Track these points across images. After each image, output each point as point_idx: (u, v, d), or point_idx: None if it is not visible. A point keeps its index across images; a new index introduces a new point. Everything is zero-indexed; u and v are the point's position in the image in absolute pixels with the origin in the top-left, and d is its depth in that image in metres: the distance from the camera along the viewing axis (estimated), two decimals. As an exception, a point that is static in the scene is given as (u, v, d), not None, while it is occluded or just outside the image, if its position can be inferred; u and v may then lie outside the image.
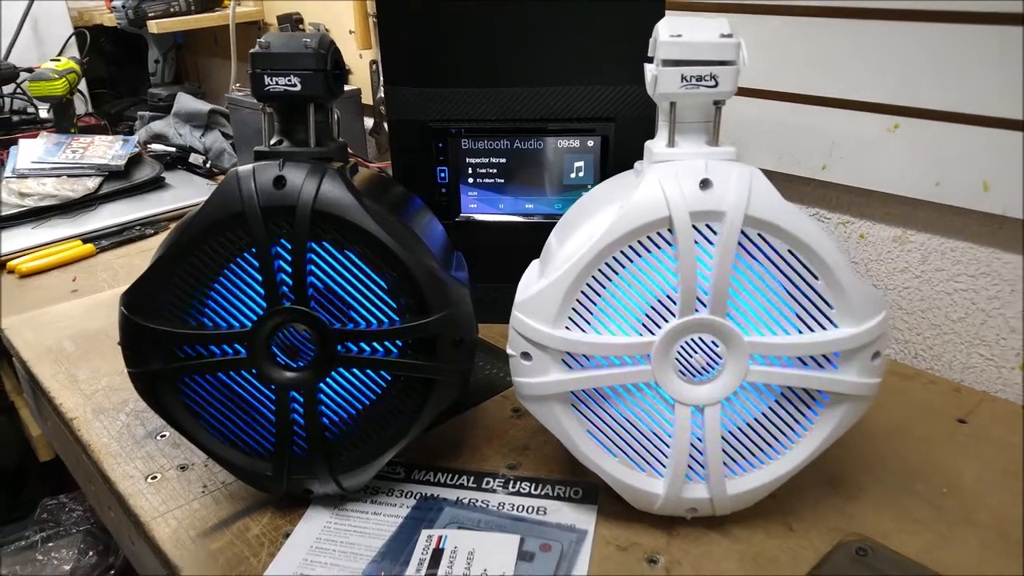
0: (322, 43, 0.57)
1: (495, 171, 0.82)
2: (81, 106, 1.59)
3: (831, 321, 0.53)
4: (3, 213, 1.17)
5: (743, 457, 0.56)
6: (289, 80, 0.56)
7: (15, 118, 1.49)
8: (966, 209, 0.72)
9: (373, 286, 0.56)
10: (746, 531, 0.59)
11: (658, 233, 0.52)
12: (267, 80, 0.56)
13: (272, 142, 0.59)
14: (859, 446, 0.68)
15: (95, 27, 1.66)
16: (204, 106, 1.46)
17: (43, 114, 1.51)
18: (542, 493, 0.63)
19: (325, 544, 0.58)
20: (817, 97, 0.78)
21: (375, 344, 0.57)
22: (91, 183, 1.25)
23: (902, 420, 0.71)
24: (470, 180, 0.83)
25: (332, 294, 0.57)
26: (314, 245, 0.55)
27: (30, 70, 1.40)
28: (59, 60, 1.38)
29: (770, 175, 0.86)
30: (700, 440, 0.55)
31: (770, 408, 0.56)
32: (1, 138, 1.44)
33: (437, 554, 0.56)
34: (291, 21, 1.47)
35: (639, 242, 0.53)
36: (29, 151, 1.29)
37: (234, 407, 0.59)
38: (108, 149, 1.32)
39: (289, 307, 0.56)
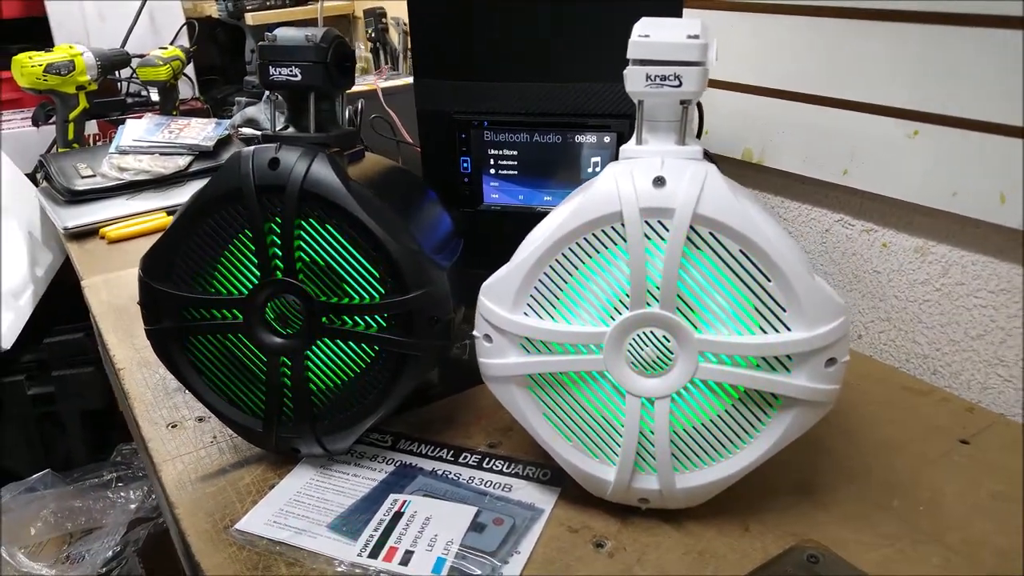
0: (325, 37, 0.62)
1: (515, 163, 0.85)
2: (187, 91, 1.74)
3: (784, 324, 0.53)
4: (104, 185, 1.30)
5: (695, 454, 0.57)
6: (291, 71, 0.61)
7: (129, 100, 1.64)
8: (986, 221, 0.68)
9: (357, 264, 0.61)
10: (700, 526, 0.59)
11: (612, 228, 0.54)
12: (271, 70, 0.61)
13: (279, 128, 0.64)
14: (847, 456, 0.67)
15: (206, 18, 1.80)
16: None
17: (154, 97, 1.65)
18: (512, 472, 0.66)
19: (303, 498, 0.63)
20: (839, 100, 0.77)
21: (358, 318, 0.62)
22: (182, 161, 1.36)
23: (901, 435, 0.69)
24: (492, 171, 0.86)
25: (319, 269, 0.61)
26: (304, 223, 0.60)
27: (142, 56, 1.54)
28: (166, 48, 1.52)
29: (795, 178, 0.85)
30: (652, 432, 0.57)
31: (726, 411, 0.56)
32: (116, 118, 1.59)
33: (397, 516, 0.60)
34: (375, 15, 1.55)
35: (603, 235, 0.54)
36: (132, 130, 1.42)
37: (232, 367, 0.65)
38: (201, 131, 1.44)
39: (280, 279, 0.61)
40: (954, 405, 0.73)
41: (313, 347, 0.63)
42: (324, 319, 0.62)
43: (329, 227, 0.60)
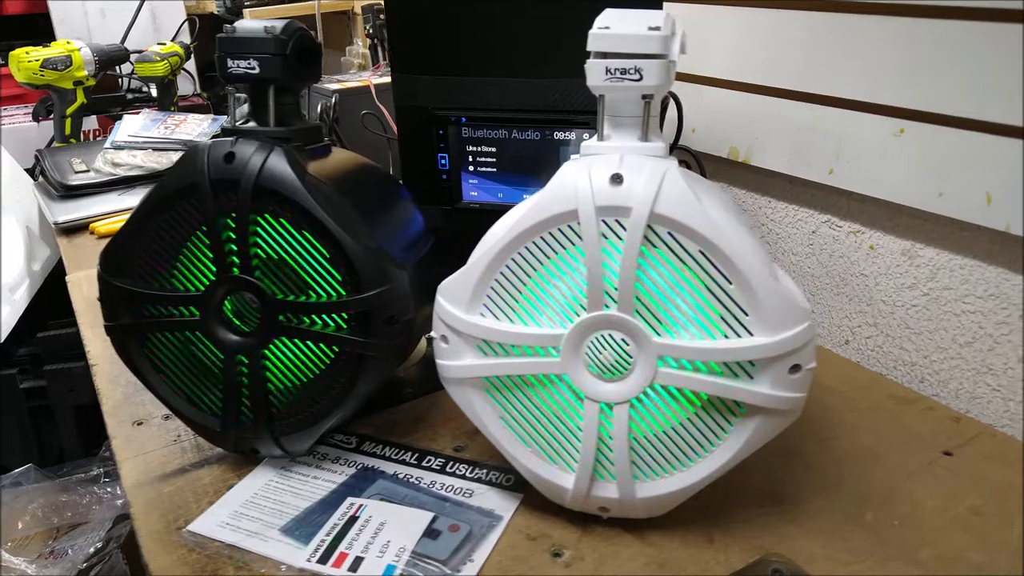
0: (286, 30, 0.61)
1: (494, 160, 0.83)
2: (188, 87, 1.73)
3: (746, 328, 0.51)
4: (97, 180, 1.30)
5: (656, 462, 0.55)
6: (249, 63, 0.60)
7: (130, 96, 1.64)
8: (974, 224, 0.66)
9: (314, 261, 0.59)
10: (663, 537, 0.57)
11: (570, 227, 0.52)
12: (229, 63, 0.60)
13: (239, 122, 0.63)
14: (822, 466, 0.64)
15: (208, 15, 1.80)
16: (289, 90, 1.55)
17: (155, 93, 1.65)
18: (475, 476, 0.64)
19: (260, 500, 0.62)
20: (825, 96, 0.74)
21: (315, 317, 0.60)
22: (175, 157, 1.36)
23: (882, 445, 0.67)
24: (471, 168, 0.84)
25: (276, 266, 0.60)
26: (260, 219, 0.59)
27: (140, 52, 1.54)
28: (164, 44, 1.51)
29: (782, 178, 0.83)
30: (611, 439, 0.55)
31: (688, 419, 0.54)
32: (116, 113, 1.60)
33: (351, 521, 0.59)
34: (373, 11, 1.54)
35: (560, 235, 0.53)
36: (129, 126, 1.42)
37: (190, 365, 0.63)
38: (197, 127, 1.43)
39: (237, 276, 0.60)
40: (940, 414, 0.71)
41: (271, 346, 0.61)
42: (282, 317, 0.60)
43: (284, 223, 0.59)
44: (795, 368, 0.51)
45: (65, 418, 1.34)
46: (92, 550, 1.11)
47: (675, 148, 0.81)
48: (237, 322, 0.62)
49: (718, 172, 0.91)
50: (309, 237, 0.58)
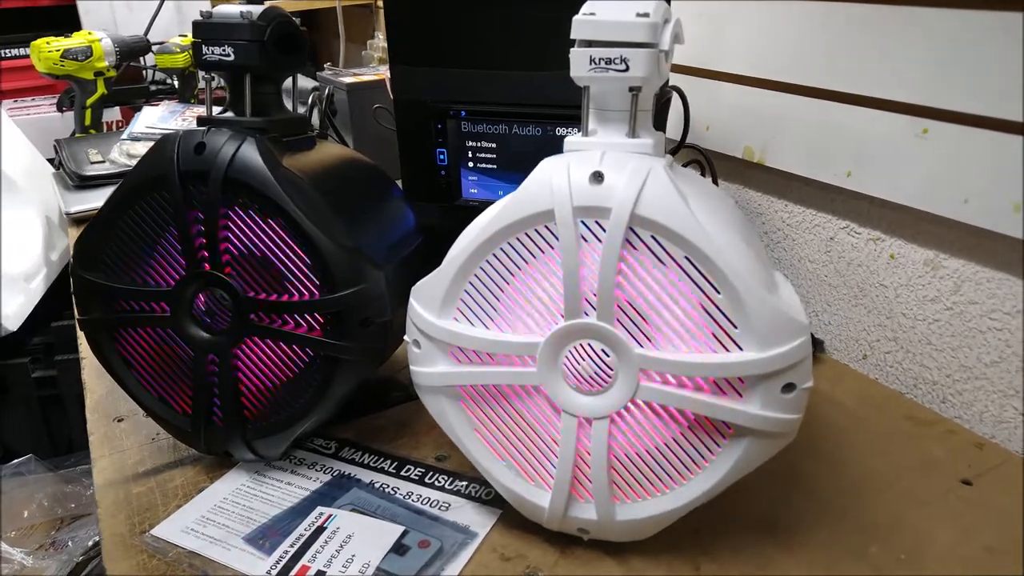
0: (264, 15, 0.58)
1: (494, 156, 0.80)
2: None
3: (735, 342, 0.46)
4: (112, 171, 1.29)
5: (637, 483, 0.51)
6: (224, 50, 0.57)
7: (153, 87, 1.65)
8: (1002, 234, 0.60)
9: (285, 259, 0.57)
10: (647, 563, 0.53)
11: (547, 228, 0.48)
12: (204, 49, 0.58)
13: (218, 111, 0.61)
14: (826, 491, 0.60)
15: (234, 7, 1.80)
16: (308, 83, 1.53)
17: (177, 85, 1.65)
18: (454, 489, 0.61)
19: (228, 505, 0.60)
20: (843, 93, 0.69)
21: (287, 316, 0.58)
22: (191, 149, 1.35)
23: (893, 470, 0.62)
24: (470, 164, 0.81)
25: (247, 262, 0.57)
26: (230, 212, 0.56)
27: (161, 44, 1.54)
28: (186, 36, 1.51)
29: (798, 180, 0.78)
30: (590, 455, 0.51)
31: (672, 439, 0.50)
32: (139, 104, 1.60)
33: (318, 532, 0.56)
34: (394, 4, 1.51)
35: (538, 237, 0.49)
36: (147, 117, 1.42)
37: (161, 362, 0.61)
38: (215, 119, 1.42)
39: (207, 271, 0.58)
40: (961, 439, 0.65)
41: (242, 345, 0.59)
42: (253, 316, 0.58)
43: (255, 217, 0.56)
44: (789, 387, 0.46)
45: (75, 408, 1.34)
46: (91, 543, 1.10)
47: (682, 146, 0.76)
48: (208, 320, 0.59)
49: (732, 172, 0.86)
50: (280, 233, 0.56)
